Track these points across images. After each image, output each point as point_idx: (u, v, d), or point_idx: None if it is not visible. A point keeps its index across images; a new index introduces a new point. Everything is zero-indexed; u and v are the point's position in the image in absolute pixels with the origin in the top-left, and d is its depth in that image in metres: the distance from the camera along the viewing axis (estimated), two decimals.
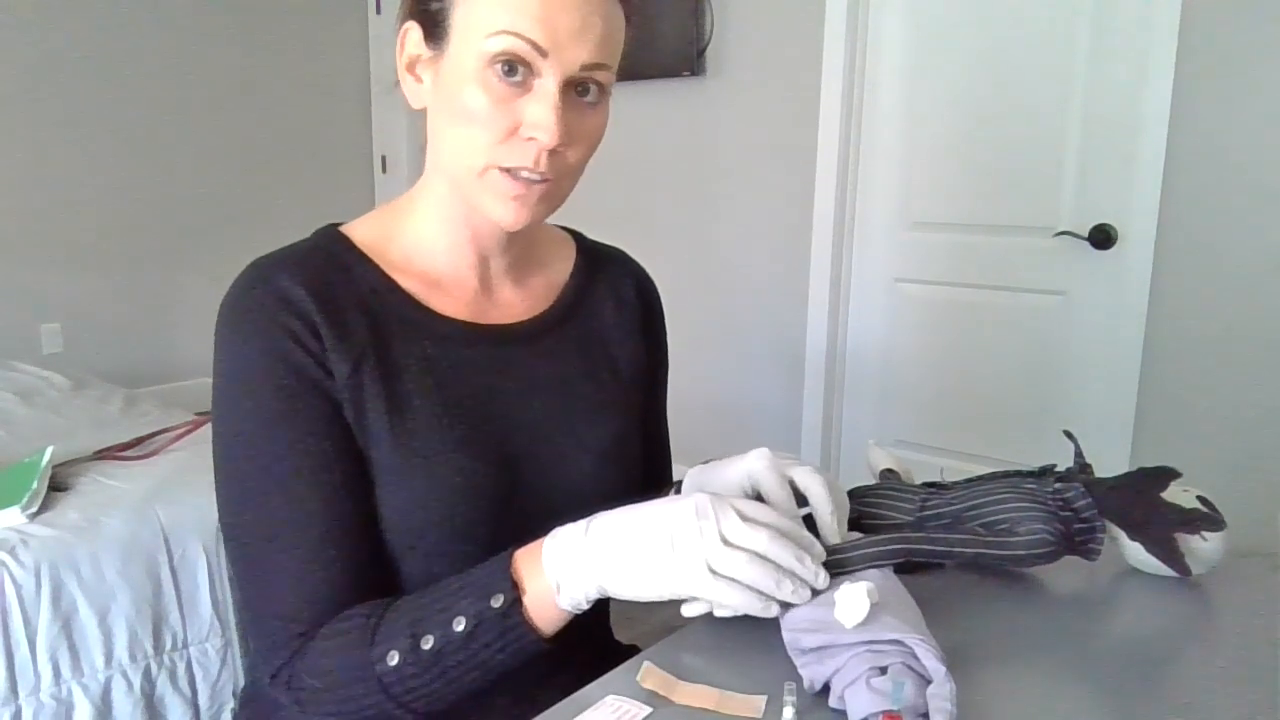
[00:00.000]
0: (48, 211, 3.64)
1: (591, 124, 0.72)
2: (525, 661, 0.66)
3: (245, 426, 0.70)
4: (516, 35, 0.66)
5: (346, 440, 0.71)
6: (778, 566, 0.62)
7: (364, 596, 0.70)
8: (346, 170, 4.52)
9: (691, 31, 2.89)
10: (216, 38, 3.99)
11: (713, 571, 0.61)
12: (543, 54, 0.67)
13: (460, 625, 0.64)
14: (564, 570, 0.64)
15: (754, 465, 0.72)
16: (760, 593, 0.62)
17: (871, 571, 0.68)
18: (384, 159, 4.56)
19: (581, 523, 0.66)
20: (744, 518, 0.62)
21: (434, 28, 0.70)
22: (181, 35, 3.89)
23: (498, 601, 0.64)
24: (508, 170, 0.70)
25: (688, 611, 0.65)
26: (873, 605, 0.60)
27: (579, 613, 0.66)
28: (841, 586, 0.62)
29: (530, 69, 0.68)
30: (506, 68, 0.67)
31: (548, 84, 0.68)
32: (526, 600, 0.64)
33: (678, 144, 3.05)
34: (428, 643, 0.64)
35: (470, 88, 0.68)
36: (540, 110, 0.67)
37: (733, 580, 0.61)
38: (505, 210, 0.72)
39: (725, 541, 0.61)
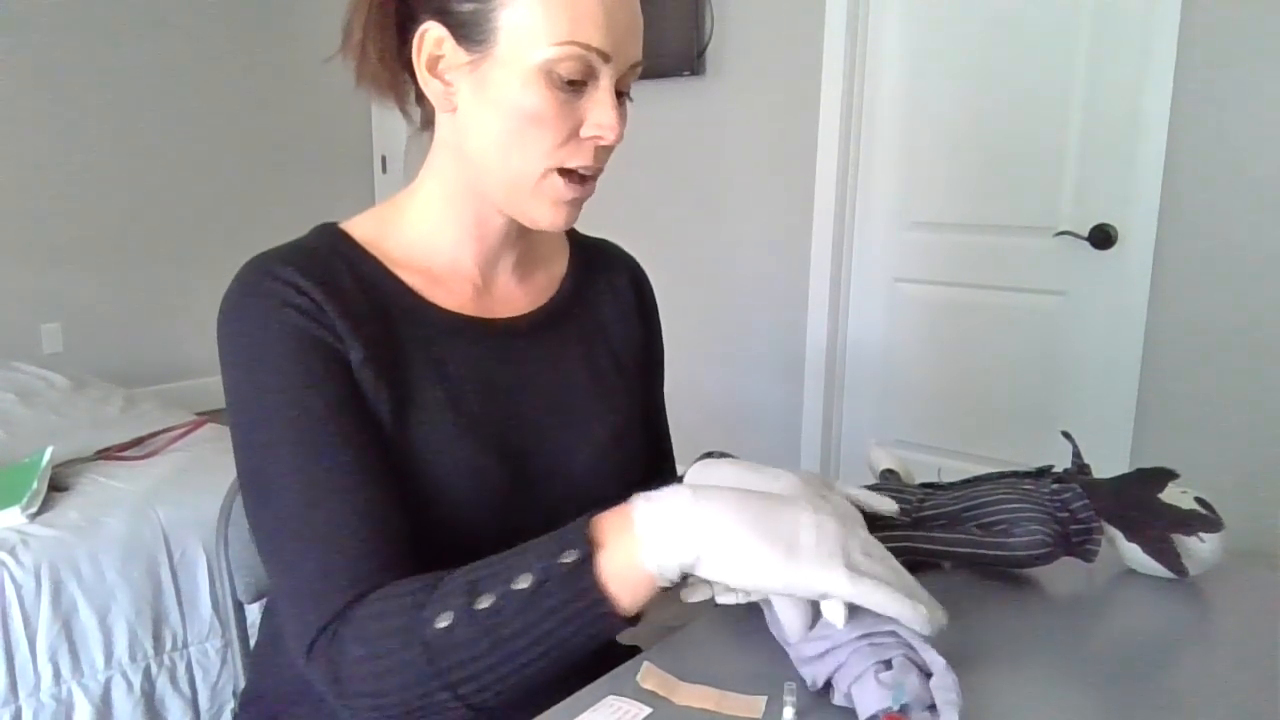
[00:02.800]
0: (48, 211, 3.64)
1: (625, 119, 0.73)
2: (594, 642, 0.60)
3: (270, 401, 0.67)
4: (583, 46, 0.67)
5: (370, 410, 0.70)
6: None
7: (408, 564, 0.66)
8: (346, 170, 4.52)
9: (691, 31, 2.89)
10: (216, 38, 4.00)
11: (852, 569, 0.57)
12: (606, 60, 0.68)
13: (523, 583, 0.58)
14: (659, 531, 0.58)
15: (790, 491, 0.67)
16: (903, 588, 0.58)
17: None
18: (384, 159, 4.56)
19: (683, 487, 0.61)
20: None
21: (469, 29, 0.69)
22: (181, 35, 3.89)
23: (569, 557, 0.58)
24: (566, 172, 0.71)
25: (688, 597, 0.64)
26: None
27: (664, 585, 0.59)
28: None
29: (592, 72, 0.69)
30: (572, 76, 0.68)
31: (606, 84, 0.70)
32: (602, 558, 0.59)
33: (678, 144, 3.05)
34: (484, 602, 0.59)
35: (530, 93, 0.68)
36: (603, 111, 0.69)
37: (875, 578, 0.57)
38: (556, 215, 0.73)
39: (864, 550, 0.58)
